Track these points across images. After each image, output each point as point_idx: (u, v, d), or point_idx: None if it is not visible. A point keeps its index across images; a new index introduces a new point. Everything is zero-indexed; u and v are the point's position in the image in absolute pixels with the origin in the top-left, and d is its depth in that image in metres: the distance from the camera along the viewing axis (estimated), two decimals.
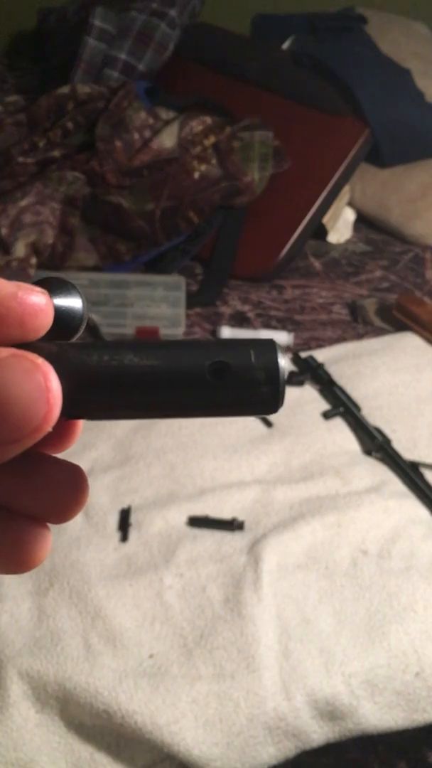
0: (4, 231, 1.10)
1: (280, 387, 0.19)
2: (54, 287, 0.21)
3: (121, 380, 0.19)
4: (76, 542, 0.72)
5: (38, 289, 0.19)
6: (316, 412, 0.90)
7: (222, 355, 0.19)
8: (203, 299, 1.14)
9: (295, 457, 0.84)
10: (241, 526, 0.74)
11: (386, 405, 0.92)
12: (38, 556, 0.21)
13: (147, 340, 0.21)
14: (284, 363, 0.19)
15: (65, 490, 0.21)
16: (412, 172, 1.38)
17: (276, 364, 0.19)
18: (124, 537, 0.73)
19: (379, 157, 1.34)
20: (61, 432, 0.22)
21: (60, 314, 0.21)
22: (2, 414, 0.17)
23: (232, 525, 0.74)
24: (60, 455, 0.23)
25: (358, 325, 1.12)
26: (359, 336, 1.09)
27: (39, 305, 0.19)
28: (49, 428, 0.18)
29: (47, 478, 0.21)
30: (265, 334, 1.06)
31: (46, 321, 0.19)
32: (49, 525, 0.22)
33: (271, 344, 0.19)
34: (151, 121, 1.21)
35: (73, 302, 0.21)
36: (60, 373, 0.18)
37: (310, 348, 1.05)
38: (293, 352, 1.01)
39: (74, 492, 0.22)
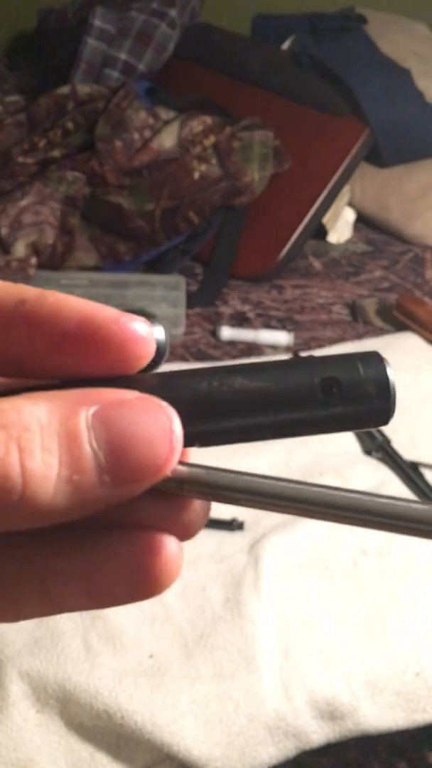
0: (4, 231, 1.10)
1: (392, 398, 0.19)
2: None
3: (233, 404, 0.19)
4: None
5: (141, 318, 0.19)
6: None
7: (331, 371, 0.19)
8: (203, 299, 1.14)
9: (295, 457, 0.84)
10: (241, 526, 0.74)
11: None
12: (173, 572, 0.19)
13: (249, 363, 0.21)
14: (393, 374, 0.19)
15: (193, 511, 0.20)
16: (412, 172, 1.38)
17: (385, 375, 0.19)
18: None
19: (379, 157, 1.34)
20: None
21: None
22: (126, 454, 0.17)
23: (232, 525, 0.74)
24: None
25: (358, 325, 1.12)
26: (359, 336, 1.09)
27: (140, 332, 0.18)
28: (169, 471, 0.17)
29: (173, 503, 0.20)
30: (265, 334, 1.06)
31: (148, 350, 0.19)
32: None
33: (376, 356, 0.19)
34: (151, 121, 1.21)
35: (157, 333, 0.21)
36: (171, 402, 0.18)
37: (310, 348, 1.05)
38: (293, 352, 1.01)
39: (201, 513, 0.21)
